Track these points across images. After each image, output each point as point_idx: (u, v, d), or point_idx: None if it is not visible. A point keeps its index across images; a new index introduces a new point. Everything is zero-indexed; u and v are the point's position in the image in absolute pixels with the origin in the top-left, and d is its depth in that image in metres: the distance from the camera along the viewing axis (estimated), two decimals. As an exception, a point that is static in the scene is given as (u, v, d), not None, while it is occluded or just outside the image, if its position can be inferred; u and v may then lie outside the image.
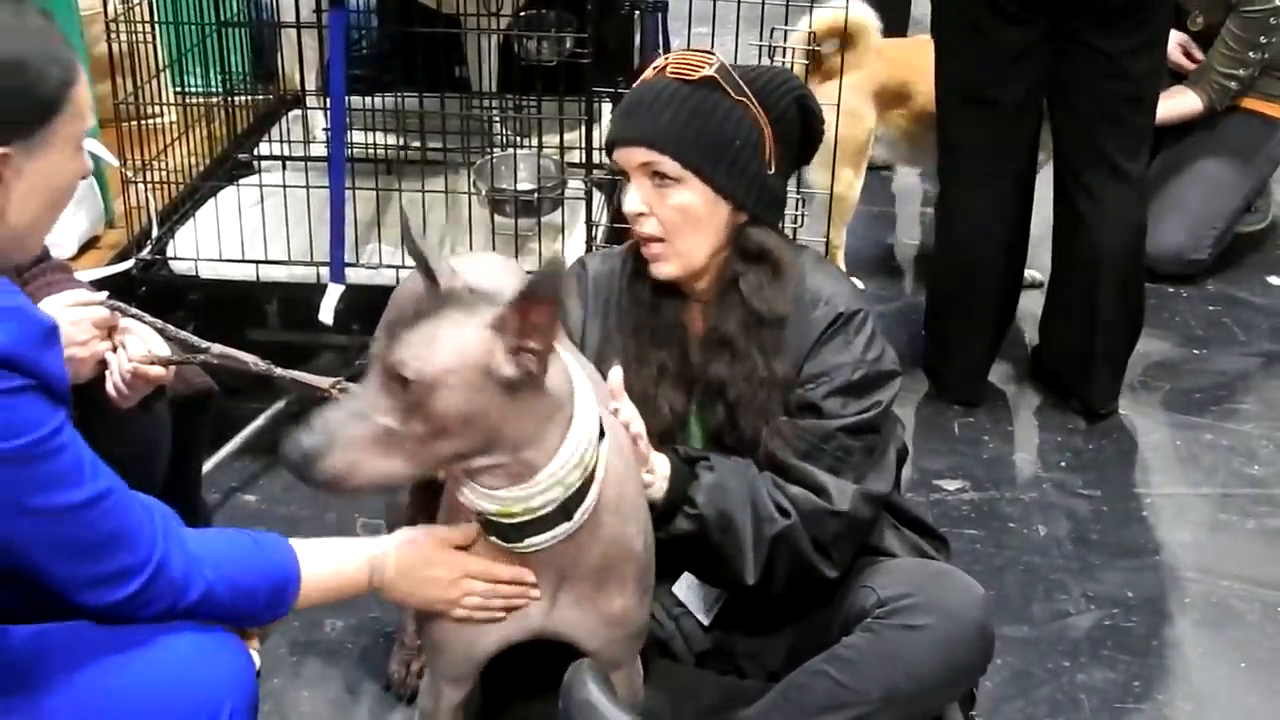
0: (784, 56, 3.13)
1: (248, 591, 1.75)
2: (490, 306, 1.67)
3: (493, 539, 1.82)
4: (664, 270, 2.12)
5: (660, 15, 3.67)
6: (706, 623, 2.25)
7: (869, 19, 3.84)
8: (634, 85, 2.16)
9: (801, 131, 2.20)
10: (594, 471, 1.76)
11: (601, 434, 1.79)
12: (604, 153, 2.22)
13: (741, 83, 2.08)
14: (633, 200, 2.08)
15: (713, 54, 2.15)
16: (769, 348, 2.10)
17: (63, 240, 3.13)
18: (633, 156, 2.06)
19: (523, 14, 3.54)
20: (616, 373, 2.03)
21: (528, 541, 1.77)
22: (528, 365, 1.65)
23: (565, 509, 1.74)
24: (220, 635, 1.80)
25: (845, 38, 3.62)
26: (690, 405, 2.19)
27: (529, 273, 2.21)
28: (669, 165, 2.04)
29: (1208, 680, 2.67)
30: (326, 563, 1.84)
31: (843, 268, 3.95)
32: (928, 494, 3.20)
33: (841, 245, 4.09)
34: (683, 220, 2.06)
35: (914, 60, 3.95)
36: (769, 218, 2.17)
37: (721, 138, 2.06)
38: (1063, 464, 3.39)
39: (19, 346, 1.51)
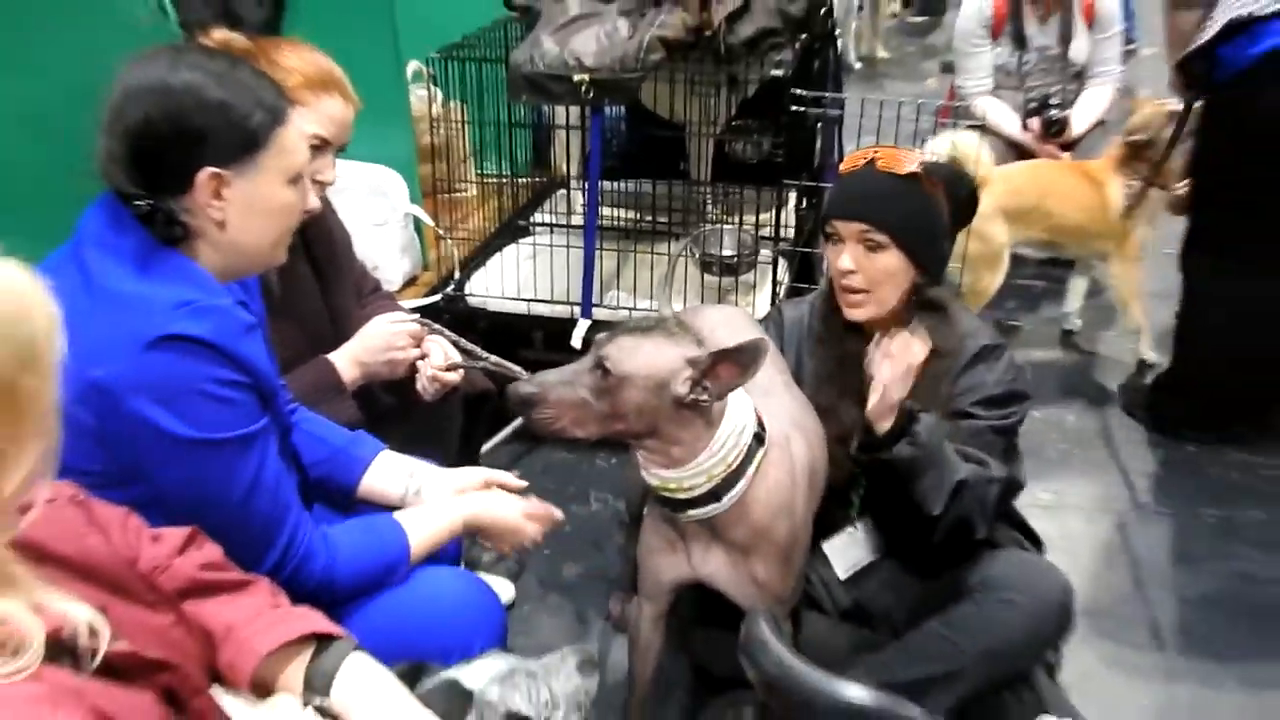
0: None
1: (366, 573, 1.70)
2: (691, 341, 1.71)
3: (665, 510, 1.85)
4: (861, 314, 2.10)
5: (836, 127, 3.66)
6: (843, 578, 2.23)
7: (967, 142, 3.47)
8: (845, 171, 2.13)
9: (965, 212, 2.20)
10: (742, 470, 1.77)
11: (760, 444, 1.79)
12: (819, 223, 2.17)
13: (933, 175, 2.08)
14: (846, 260, 2.06)
15: (913, 151, 2.14)
16: (939, 374, 2.07)
17: (391, 278, 3.25)
18: (853, 228, 2.05)
19: (733, 123, 3.56)
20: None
21: (688, 514, 1.80)
22: (698, 397, 1.69)
23: (714, 494, 1.77)
24: (477, 582, 1.84)
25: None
26: (862, 418, 2.16)
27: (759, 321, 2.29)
28: (881, 237, 2.03)
29: None
30: (432, 531, 1.79)
31: None
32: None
33: None
34: (884, 277, 2.06)
35: (1039, 183, 3.72)
36: (940, 277, 2.16)
37: (922, 219, 2.06)
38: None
39: (222, 336, 1.48)
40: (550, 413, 1.70)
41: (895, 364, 1.98)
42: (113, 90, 1.52)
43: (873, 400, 1.97)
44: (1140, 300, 3.78)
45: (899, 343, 2.01)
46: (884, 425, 1.99)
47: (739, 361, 1.67)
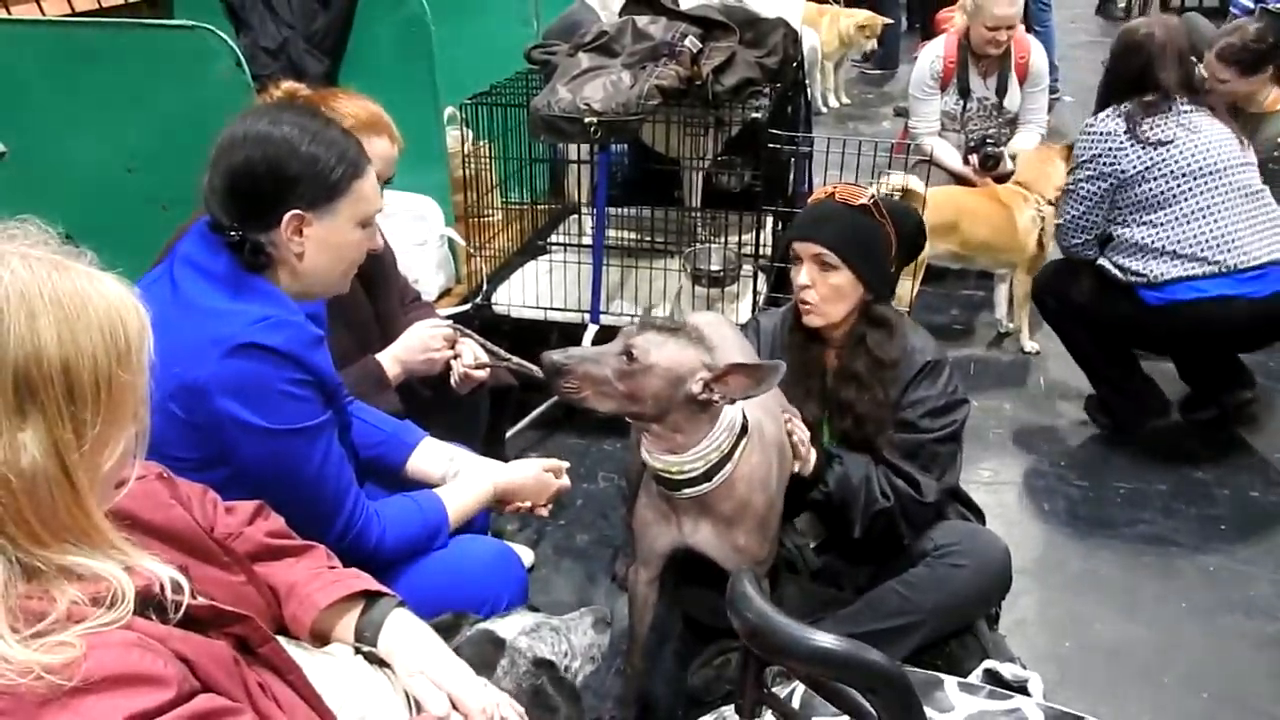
0: (881, 193, 3.08)
1: (412, 539, 1.69)
2: (706, 348, 1.69)
3: (661, 488, 1.82)
4: (813, 321, 2.07)
5: (807, 161, 3.65)
6: (813, 546, 2.22)
7: (916, 182, 3.55)
8: (810, 202, 2.12)
9: (912, 244, 2.16)
10: (731, 455, 1.75)
11: (745, 433, 1.77)
12: (783, 245, 2.16)
13: (884, 209, 2.05)
14: (803, 277, 2.04)
15: (864, 188, 2.12)
16: (885, 382, 2.05)
17: (429, 290, 3.23)
18: (810, 249, 2.03)
19: (719, 158, 3.55)
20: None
21: (683, 492, 1.78)
22: (709, 397, 1.67)
23: (707, 475, 1.75)
24: (503, 546, 1.83)
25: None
26: (823, 414, 2.15)
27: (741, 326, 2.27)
28: (832, 258, 2.00)
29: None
30: (466, 500, 1.80)
31: None
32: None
33: None
34: (833, 294, 2.03)
35: (956, 204, 3.75)
36: (886, 297, 2.13)
37: (869, 245, 2.02)
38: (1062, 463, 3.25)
39: (294, 346, 1.49)
40: (575, 383, 1.66)
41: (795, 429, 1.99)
42: (223, 134, 1.52)
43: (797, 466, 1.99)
44: (1029, 306, 3.82)
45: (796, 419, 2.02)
46: (805, 471, 2.00)
47: (753, 376, 1.64)
